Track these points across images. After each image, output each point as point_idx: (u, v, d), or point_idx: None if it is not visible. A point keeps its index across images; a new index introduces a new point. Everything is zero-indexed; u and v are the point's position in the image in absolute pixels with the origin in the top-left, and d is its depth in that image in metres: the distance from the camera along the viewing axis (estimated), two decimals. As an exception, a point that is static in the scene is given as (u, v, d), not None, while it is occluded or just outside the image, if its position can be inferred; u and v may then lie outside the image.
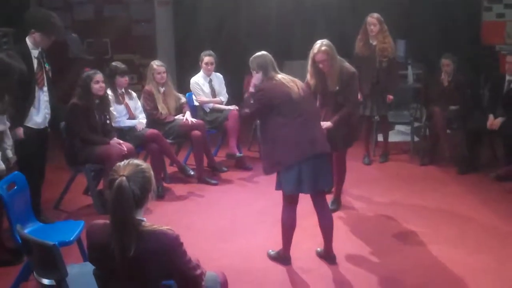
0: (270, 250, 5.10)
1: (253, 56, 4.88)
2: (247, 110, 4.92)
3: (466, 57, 9.34)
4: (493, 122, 7.13)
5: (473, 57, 10.18)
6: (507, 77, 7.23)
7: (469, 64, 9.52)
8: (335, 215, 5.14)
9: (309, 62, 5.50)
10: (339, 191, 6.20)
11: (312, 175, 4.57)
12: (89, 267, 3.11)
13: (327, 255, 4.98)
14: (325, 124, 5.37)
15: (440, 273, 4.80)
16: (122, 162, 2.95)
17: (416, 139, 8.39)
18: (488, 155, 7.78)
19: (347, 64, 5.62)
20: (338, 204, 6.18)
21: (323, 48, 5.38)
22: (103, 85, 6.25)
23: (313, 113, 4.77)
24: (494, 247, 5.23)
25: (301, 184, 4.58)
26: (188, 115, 7.36)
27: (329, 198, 5.63)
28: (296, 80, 4.77)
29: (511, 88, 7.18)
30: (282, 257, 4.96)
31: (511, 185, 6.73)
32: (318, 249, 5.08)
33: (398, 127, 9.45)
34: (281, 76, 4.72)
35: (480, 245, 5.29)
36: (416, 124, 8.36)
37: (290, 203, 4.76)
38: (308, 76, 5.53)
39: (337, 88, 5.50)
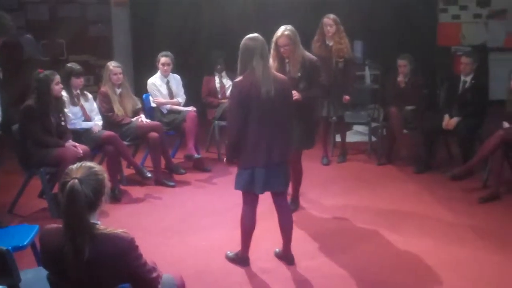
0: (228, 252, 5.07)
1: (246, 37, 4.62)
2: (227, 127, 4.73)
3: (423, 58, 9.46)
4: (449, 122, 7.23)
5: (429, 58, 10.34)
6: (462, 78, 7.33)
7: (425, 64, 9.65)
8: (293, 215, 5.13)
9: (272, 46, 5.47)
10: (297, 192, 6.21)
11: (265, 178, 4.56)
12: (43, 272, 3.06)
13: (286, 256, 4.97)
14: (295, 94, 5.33)
15: (399, 269, 4.84)
16: (75, 165, 2.91)
17: (373, 139, 8.46)
18: (443, 154, 7.89)
19: (309, 54, 5.68)
20: (296, 204, 6.19)
21: (286, 32, 5.43)
22: (61, 86, 6.22)
23: (280, 117, 4.56)
24: (452, 244, 5.31)
25: (253, 184, 4.59)
26: (143, 117, 7.31)
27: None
28: (275, 77, 4.56)
29: (466, 89, 7.28)
30: (241, 258, 4.94)
31: (466, 183, 6.84)
32: (277, 249, 5.07)
33: (356, 127, 9.53)
34: (262, 70, 4.46)
35: (437, 242, 5.35)
36: (373, 124, 8.43)
37: (249, 204, 4.74)
38: (271, 60, 5.47)
39: (299, 74, 5.51)
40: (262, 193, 4.68)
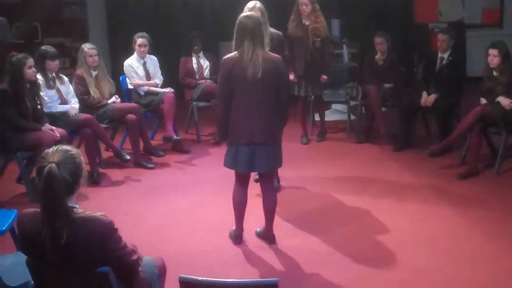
0: (233, 228, 5.04)
1: (241, 14, 4.65)
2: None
3: (400, 35, 9.46)
4: (427, 99, 7.24)
5: (407, 35, 10.33)
6: (439, 55, 7.34)
7: (403, 42, 9.66)
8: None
9: None
10: (276, 171, 6.19)
11: (248, 157, 4.58)
12: (22, 257, 3.02)
13: (267, 235, 4.98)
14: None
15: (379, 246, 4.90)
16: (51, 149, 2.87)
17: (352, 117, 8.47)
18: (422, 131, 7.92)
19: (274, 29, 5.80)
20: (276, 183, 6.17)
21: (258, 5, 5.55)
22: (35, 69, 6.12)
23: (268, 98, 4.53)
24: (430, 220, 5.37)
25: (236, 162, 4.63)
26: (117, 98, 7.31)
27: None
28: (267, 57, 4.52)
29: (443, 66, 7.29)
30: (235, 236, 4.99)
31: (444, 160, 6.88)
32: (258, 229, 5.08)
33: (335, 106, 9.52)
34: (251, 51, 4.44)
35: (417, 218, 5.42)
36: (352, 103, 8.43)
37: (239, 182, 4.81)
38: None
39: (268, 49, 5.53)
40: (246, 173, 4.69)
